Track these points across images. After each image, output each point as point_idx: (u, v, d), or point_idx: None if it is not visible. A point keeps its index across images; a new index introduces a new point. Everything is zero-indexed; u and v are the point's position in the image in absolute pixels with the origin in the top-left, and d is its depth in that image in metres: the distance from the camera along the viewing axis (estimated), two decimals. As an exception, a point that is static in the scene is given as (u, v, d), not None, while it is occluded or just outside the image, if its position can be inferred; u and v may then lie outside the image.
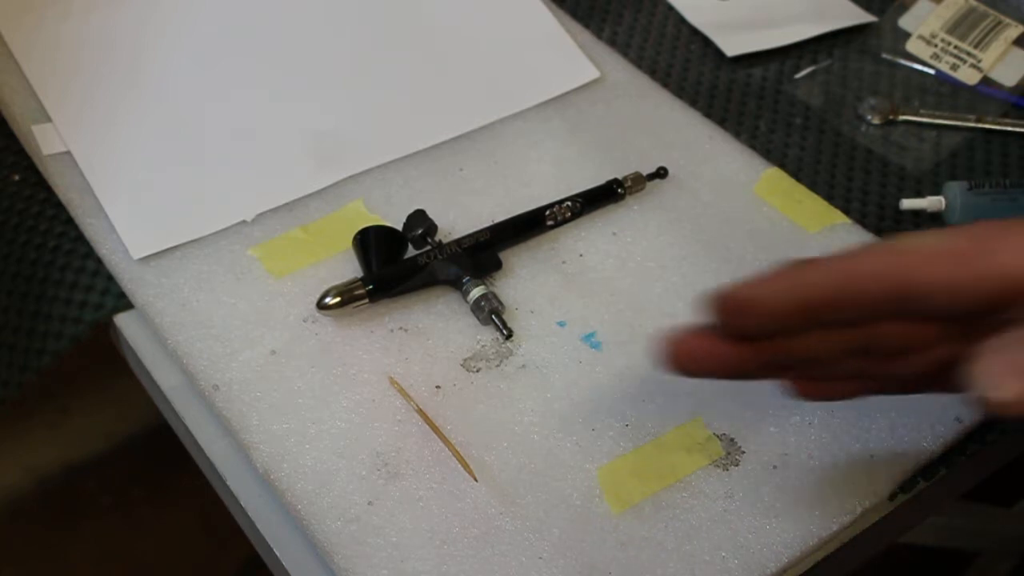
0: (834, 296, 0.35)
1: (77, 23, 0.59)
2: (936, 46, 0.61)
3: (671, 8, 0.64)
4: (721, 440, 0.44)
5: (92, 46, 0.58)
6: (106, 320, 0.49)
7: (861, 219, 0.53)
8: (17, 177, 0.54)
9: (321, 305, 0.47)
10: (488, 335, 0.48)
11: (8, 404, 0.48)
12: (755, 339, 0.37)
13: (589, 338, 0.48)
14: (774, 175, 0.55)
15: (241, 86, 0.57)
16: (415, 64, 0.59)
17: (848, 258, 0.35)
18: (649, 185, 0.53)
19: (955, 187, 0.53)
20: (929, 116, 0.58)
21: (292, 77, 0.58)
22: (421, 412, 0.44)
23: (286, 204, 0.52)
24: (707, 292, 0.36)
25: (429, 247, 0.49)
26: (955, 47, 0.60)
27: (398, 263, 0.49)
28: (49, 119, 0.55)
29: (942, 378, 0.37)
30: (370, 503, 0.42)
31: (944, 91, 0.60)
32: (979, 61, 0.60)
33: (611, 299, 0.49)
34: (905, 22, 0.62)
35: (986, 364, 0.33)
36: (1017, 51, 0.60)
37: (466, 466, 0.42)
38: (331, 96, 0.57)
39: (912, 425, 0.45)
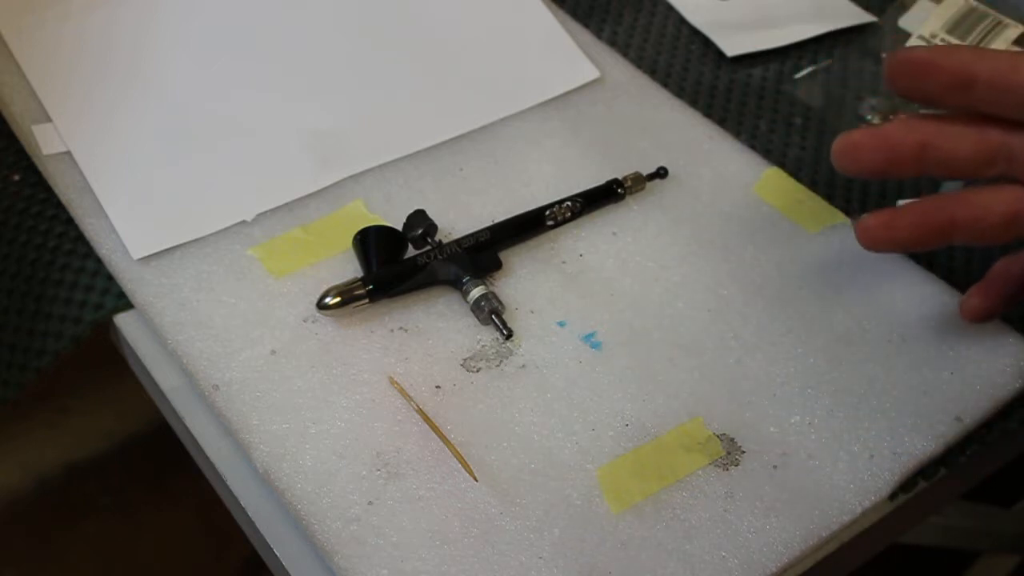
0: (994, 76, 0.40)
1: (77, 23, 0.59)
2: (936, 46, 0.61)
3: (671, 8, 0.64)
4: (721, 440, 0.44)
5: (92, 46, 0.58)
6: (106, 320, 0.49)
7: (861, 219, 0.53)
8: (17, 177, 0.54)
9: (321, 305, 0.47)
10: (488, 335, 0.48)
11: (8, 404, 0.48)
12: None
13: (589, 338, 0.48)
14: (774, 175, 0.55)
15: (241, 86, 0.57)
16: (415, 64, 0.59)
17: (1016, 53, 0.41)
18: (649, 185, 0.53)
19: (951, 187, 0.53)
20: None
21: (292, 77, 0.58)
22: (421, 412, 0.44)
23: (286, 204, 0.52)
24: (888, 57, 0.42)
25: (429, 247, 0.49)
26: (955, 47, 0.60)
27: (398, 263, 0.49)
28: (49, 119, 0.55)
29: None
30: (370, 503, 0.42)
31: (944, 91, 0.60)
32: (979, 61, 0.60)
33: (611, 299, 0.49)
34: (905, 22, 0.62)
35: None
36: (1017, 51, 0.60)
37: (466, 466, 0.42)
38: (331, 96, 0.57)
39: (912, 425, 0.45)
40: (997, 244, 0.44)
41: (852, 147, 0.43)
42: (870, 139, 0.43)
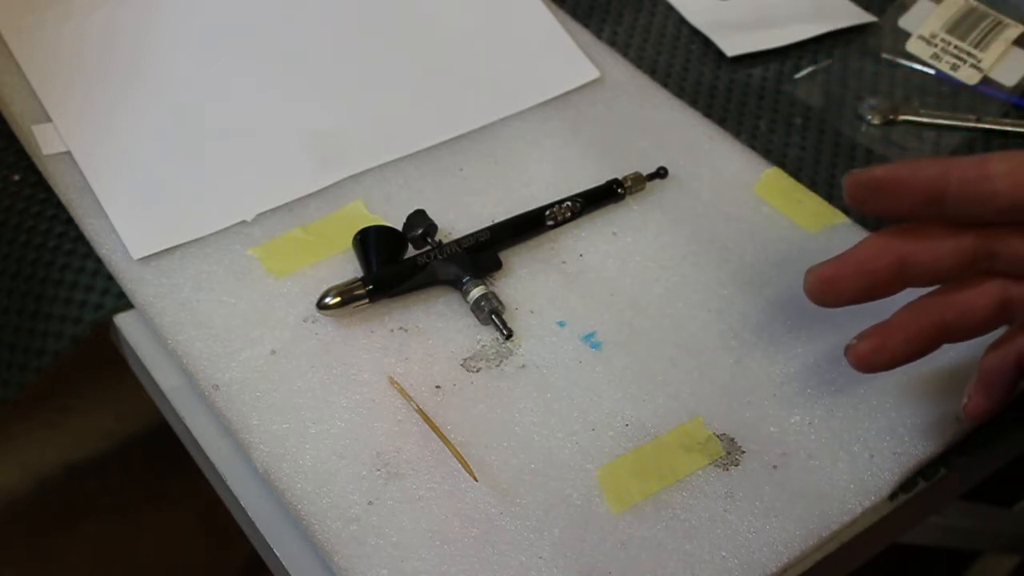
0: (965, 187, 0.38)
1: (77, 23, 0.59)
2: (936, 46, 0.61)
3: (671, 8, 0.64)
4: (721, 440, 0.44)
5: (92, 46, 0.58)
6: (106, 320, 0.50)
7: (861, 219, 0.53)
8: (17, 177, 0.54)
9: (321, 305, 0.47)
10: (488, 335, 0.48)
11: (8, 404, 0.48)
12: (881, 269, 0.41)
13: (589, 338, 0.48)
14: (774, 175, 0.55)
15: (241, 86, 0.57)
16: (415, 64, 0.59)
17: (982, 158, 0.39)
18: (649, 185, 0.53)
19: None
20: (929, 116, 0.58)
21: (292, 77, 0.58)
22: (421, 412, 0.44)
23: (286, 204, 0.52)
24: (846, 178, 0.40)
25: (429, 247, 0.49)
26: (955, 47, 0.60)
27: (398, 263, 0.49)
28: (49, 119, 0.55)
29: None
30: (370, 503, 0.42)
31: (944, 91, 0.60)
32: (979, 61, 0.60)
33: (611, 299, 0.49)
34: (905, 22, 0.62)
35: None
36: (1017, 51, 0.60)
37: (466, 466, 0.42)
38: (331, 96, 0.57)
39: (912, 425, 0.45)
40: (988, 333, 0.42)
41: (828, 281, 0.41)
42: (845, 269, 0.41)
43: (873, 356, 0.41)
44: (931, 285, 0.42)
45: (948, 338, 0.41)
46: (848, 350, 0.42)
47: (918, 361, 0.47)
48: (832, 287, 0.41)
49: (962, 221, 0.40)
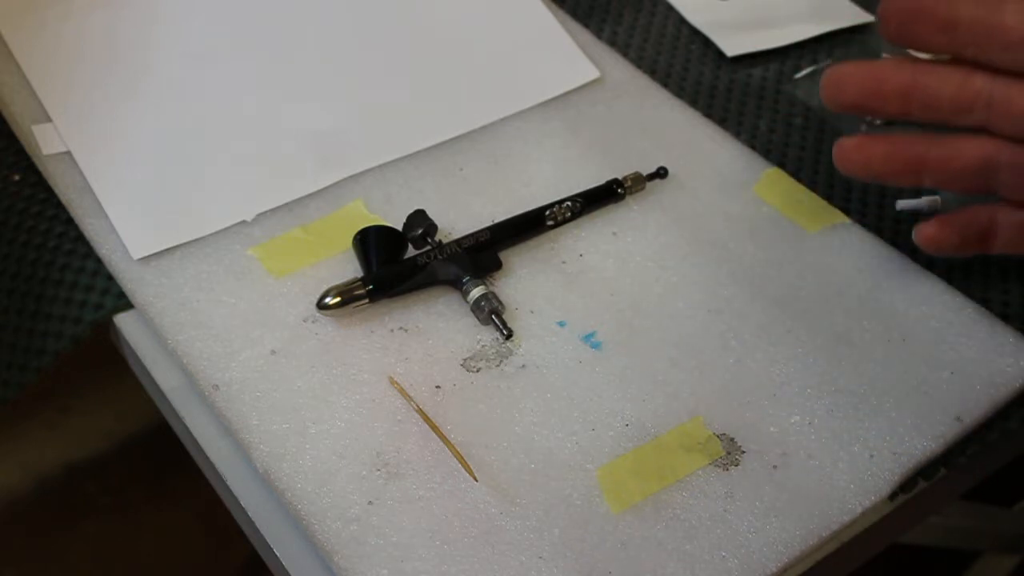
0: (980, 20, 0.40)
1: (77, 23, 0.59)
2: (936, 46, 0.61)
3: (671, 8, 0.64)
4: (721, 440, 0.44)
5: (93, 46, 0.58)
6: (106, 320, 0.50)
7: (861, 219, 0.53)
8: (17, 177, 0.54)
9: (321, 305, 0.47)
10: (488, 335, 0.48)
11: (8, 404, 0.48)
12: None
13: (589, 338, 0.48)
14: (774, 175, 0.55)
15: (241, 86, 0.57)
16: (415, 64, 0.59)
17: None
18: (649, 185, 0.53)
19: (947, 195, 0.53)
20: (929, 116, 0.58)
21: (292, 77, 0.58)
22: (421, 412, 0.44)
23: (286, 204, 0.52)
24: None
25: (429, 247, 0.49)
26: (955, 47, 0.60)
27: (398, 263, 0.49)
28: (49, 119, 0.55)
29: None
30: (370, 503, 0.42)
31: (944, 91, 0.60)
32: (979, 61, 0.60)
33: (611, 299, 0.49)
34: (905, 22, 0.62)
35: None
36: (1017, 51, 0.60)
37: (466, 466, 0.42)
38: (331, 96, 0.57)
39: (912, 425, 0.45)
40: (967, 193, 0.44)
41: (838, 78, 0.43)
42: (858, 72, 0.43)
43: (853, 154, 0.44)
44: (929, 119, 0.43)
45: (926, 175, 0.43)
46: (835, 145, 0.44)
47: (917, 360, 0.47)
48: (840, 84, 0.44)
49: (975, 59, 0.42)
